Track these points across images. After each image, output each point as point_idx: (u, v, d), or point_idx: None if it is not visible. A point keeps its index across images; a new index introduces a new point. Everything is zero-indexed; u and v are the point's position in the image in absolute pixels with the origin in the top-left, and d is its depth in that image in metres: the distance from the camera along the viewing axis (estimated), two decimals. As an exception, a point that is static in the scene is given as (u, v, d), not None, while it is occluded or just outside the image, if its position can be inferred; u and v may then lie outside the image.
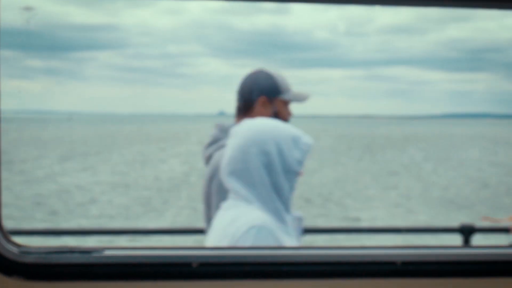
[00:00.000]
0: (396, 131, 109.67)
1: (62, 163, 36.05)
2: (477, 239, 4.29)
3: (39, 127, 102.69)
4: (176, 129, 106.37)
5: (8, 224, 1.81)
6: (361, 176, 32.32)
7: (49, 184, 26.43)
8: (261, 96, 2.78)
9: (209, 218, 2.62)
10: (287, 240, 2.12)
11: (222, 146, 2.59)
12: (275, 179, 2.14)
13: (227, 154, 2.21)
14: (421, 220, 18.69)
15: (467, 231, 4.12)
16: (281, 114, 2.80)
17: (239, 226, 2.07)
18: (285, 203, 2.17)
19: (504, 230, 3.96)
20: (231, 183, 2.17)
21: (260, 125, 2.23)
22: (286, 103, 2.83)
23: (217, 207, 2.32)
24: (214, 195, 2.63)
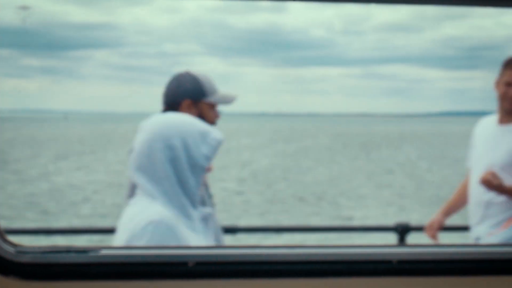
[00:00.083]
0: (393, 129, 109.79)
1: (57, 162, 36.03)
2: (413, 238, 4.34)
3: (35, 126, 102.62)
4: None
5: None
6: (356, 174, 32.34)
7: (42, 183, 26.40)
8: (186, 99, 2.75)
9: None
10: (193, 236, 2.10)
11: None
12: (181, 174, 2.11)
13: (134, 149, 2.19)
14: (413, 219, 18.67)
15: (402, 230, 4.12)
16: (207, 116, 2.77)
17: (137, 221, 2.06)
18: (192, 199, 2.14)
19: (443, 229, 4.01)
20: (137, 179, 2.15)
21: (167, 119, 2.21)
22: (212, 105, 2.80)
23: None
24: None
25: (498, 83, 3.69)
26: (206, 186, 2.82)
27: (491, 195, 3.61)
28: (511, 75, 3.62)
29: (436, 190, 26.09)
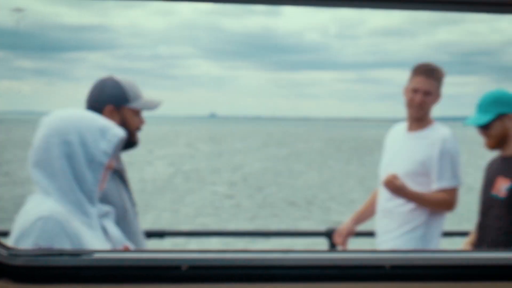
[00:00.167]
0: (387, 134, 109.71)
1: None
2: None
3: (28, 128, 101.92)
4: (166, 131, 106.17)
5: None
6: (347, 179, 32.31)
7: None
8: (108, 104, 2.72)
9: None
10: (89, 233, 2.09)
11: None
12: (77, 170, 2.09)
13: (32, 145, 2.17)
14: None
15: (332, 235, 4.10)
16: (130, 122, 2.75)
17: (27, 218, 2.05)
18: (89, 195, 2.12)
19: (368, 234, 4.02)
20: (33, 175, 2.13)
21: (64, 115, 2.19)
22: (136, 111, 2.78)
23: None
24: None
25: (406, 90, 3.68)
26: (126, 184, 2.80)
27: (395, 203, 3.61)
28: (418, 82, 3.62)
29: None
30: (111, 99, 2.72)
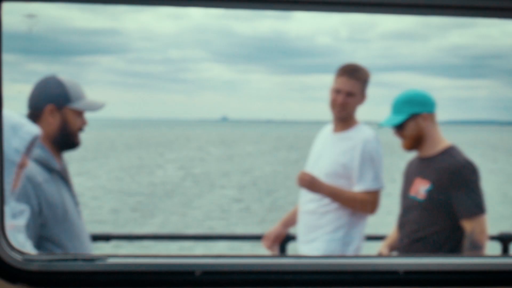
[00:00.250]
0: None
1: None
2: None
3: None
4: (177, 134, 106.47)
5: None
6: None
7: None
8: (49, 104, 2.68)
9: None
10: None
11: None
12: None
13: None
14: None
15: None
16: (71, 123, 2.72)
17: None
18: None
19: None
20: None
21: None
22: (78, 112, 2.74)
23: None
24: None
25: (330, 91, 3.64)
26: (68, 184, 2.75)
27: (316, 204, 3.54)
28: (340, 83, 3.58)
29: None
30: (52, 99, 2.69)
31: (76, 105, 2.72)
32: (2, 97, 1.74)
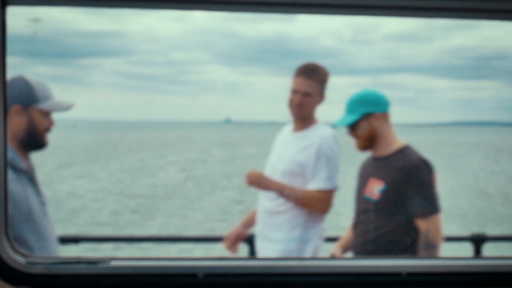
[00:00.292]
0: (402, 139, 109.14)
1: (60, 170, 36.04)
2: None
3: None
4: (180, 136, 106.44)
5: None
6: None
7: (44, 191, 26.35)
8: (15, 104, 2.69)
9: None
10: None
11: None
12: None
13: None
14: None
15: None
16: (38, 123, 2.71)
17: None
18: None
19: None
20: None
21: None
22: (45, 112, 2.74)
23: None
24: None
25: (290, 90, 3.63)
26: (35, 184, 2.76)
27: (274, 203, 3.54)
28: (297, 83, 3.57)
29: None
30: (18, 99, 2.68)
31: (43, 105, 2.71)
32: (7, 100, 1.76)
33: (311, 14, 1.87)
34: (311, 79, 3.55)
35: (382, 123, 3.35)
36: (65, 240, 3.90)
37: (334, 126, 3.47)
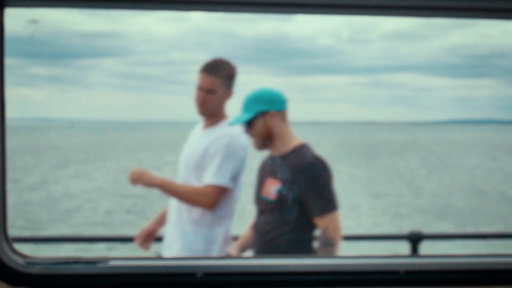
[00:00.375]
0: (399, 138, 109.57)
1: (56, 170, 36.05)
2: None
3: (40, 135, 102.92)
4: (177, 136, 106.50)
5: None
6: (355, 183, 32.23)
7: (39, 191, 26.41)
8: None
9: None
10: None
11: None
12: None
13: None
14: (405, 228, 18.56)
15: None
16: None
17: None
18: None
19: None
20: None
21: None
22: None
23: None
24: None
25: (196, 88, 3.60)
26: None
27: (177, 202, 3.47)
28: (200, 80, 3.54)
29: (433, 199, 25.95)
30: None
31: None
32: (5, 101, 1.76)
33: (309, 14, 1.88)
34: (214, 76, 3.51)
35: (278, 121, 3.29)
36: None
37: (229, 124, 3.43)
